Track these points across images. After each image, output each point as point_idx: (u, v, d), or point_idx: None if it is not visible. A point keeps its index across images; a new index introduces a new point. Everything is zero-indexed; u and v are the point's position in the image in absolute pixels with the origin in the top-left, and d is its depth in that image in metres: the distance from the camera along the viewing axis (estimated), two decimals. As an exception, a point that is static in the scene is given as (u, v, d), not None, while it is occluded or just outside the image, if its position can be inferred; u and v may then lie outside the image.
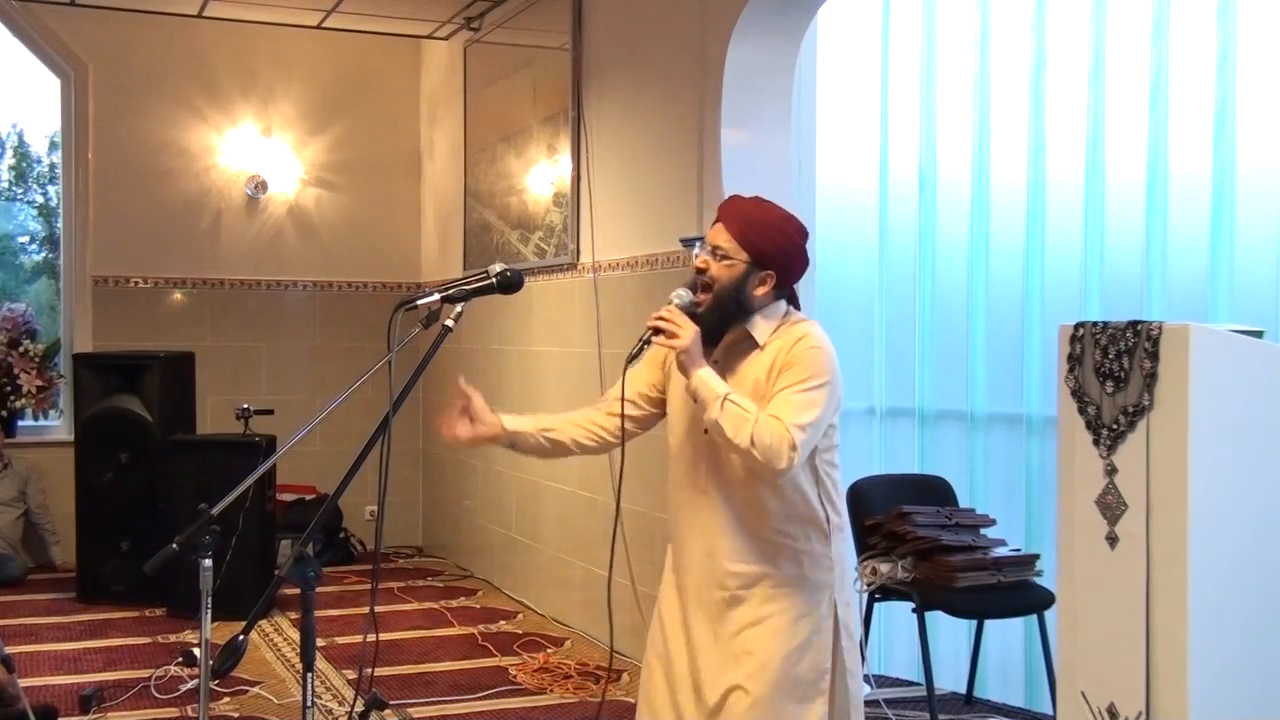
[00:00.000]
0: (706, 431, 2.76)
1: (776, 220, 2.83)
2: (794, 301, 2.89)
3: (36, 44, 7.29)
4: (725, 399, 2.65)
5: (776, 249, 2.79)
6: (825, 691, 2.79)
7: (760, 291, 2.78)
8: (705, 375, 2.69)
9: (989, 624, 4.75)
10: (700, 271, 2.81)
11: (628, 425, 2.95)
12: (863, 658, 4.43)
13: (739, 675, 2.77)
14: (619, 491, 3.19)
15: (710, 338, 2.77)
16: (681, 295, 2.78)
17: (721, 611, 2.82)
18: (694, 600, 2.87)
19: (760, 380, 2.73)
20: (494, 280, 2.78)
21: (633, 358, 2.83)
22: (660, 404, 2.96)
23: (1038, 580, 4.39)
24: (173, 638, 5.65)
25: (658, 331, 2.72)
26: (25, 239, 8.46)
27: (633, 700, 4.73)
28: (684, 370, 2.72)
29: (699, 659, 2.85)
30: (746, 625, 2.80)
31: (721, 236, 2.80)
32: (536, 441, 3.00)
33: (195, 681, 4.72)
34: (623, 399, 2.89)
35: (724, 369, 2.79)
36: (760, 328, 2.79)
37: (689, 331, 2.69)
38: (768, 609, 2.78)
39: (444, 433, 3.00)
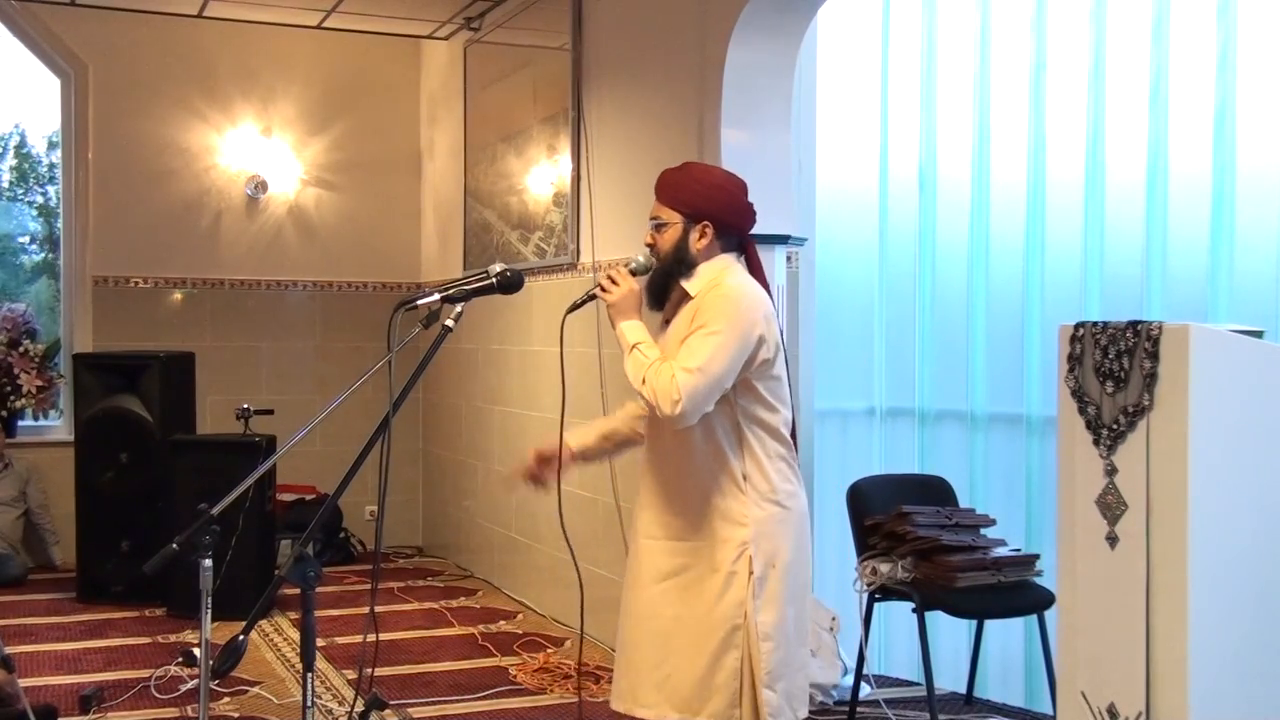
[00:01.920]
0: None
1: (699, 174, 3.04)
2: (753, 261, 2.99)
3: (36, 44, 7.29)
4: (635, 346, 2.83)
5: (704, 198, 2.94)
6: (738, 647, 2.86)
7: (701, 244, 2.93)
8: (626, 327, 2.88)
9: (989, 624, 4.75)
10: (650, 246, 2.98)
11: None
12: (862, 657, 4.45)
13: (655, 632, 2.92)
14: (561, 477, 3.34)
15: (659, 297, 2.95)
16: (639, 260, 2.97)
17: (651, 559, 2.96)
18: (635, 550, 3.03)
19: (684, 331, 2.84)
20: (494, 280, 2.79)
21: (572, 309, 3.00)
22: None
23: (1038, 580, 4.39)
24: (173, 638, 5.65)
25: (603, 289, 2.92)
26: (25, 239, 8.46)
27: (633, 700, 4.74)
28: (612, 323, 2.90)
29: (628, 611, 3.02)
30: (663, 576, 2.92)
31: (656, 208, 2.98)
32: (604, 446, 3.23)
33: (195, 681, 4.72)
34: (561, 347, 3.04)
35: (669, 327, 2.93)
36: (694, 281, 2.91)
37: (624, 288, 2.89)
38: (680, 562, 2.90)
39: (527, 480, 3.21)
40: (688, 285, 2.91)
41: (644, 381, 2.76)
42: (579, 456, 3.17)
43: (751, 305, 2.83)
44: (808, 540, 3.02)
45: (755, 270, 2.99)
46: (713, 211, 2.93)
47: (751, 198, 3.06)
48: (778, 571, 2.89)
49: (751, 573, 2.85)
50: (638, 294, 2.91)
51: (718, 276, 2.88)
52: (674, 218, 2.94)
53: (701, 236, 2.92)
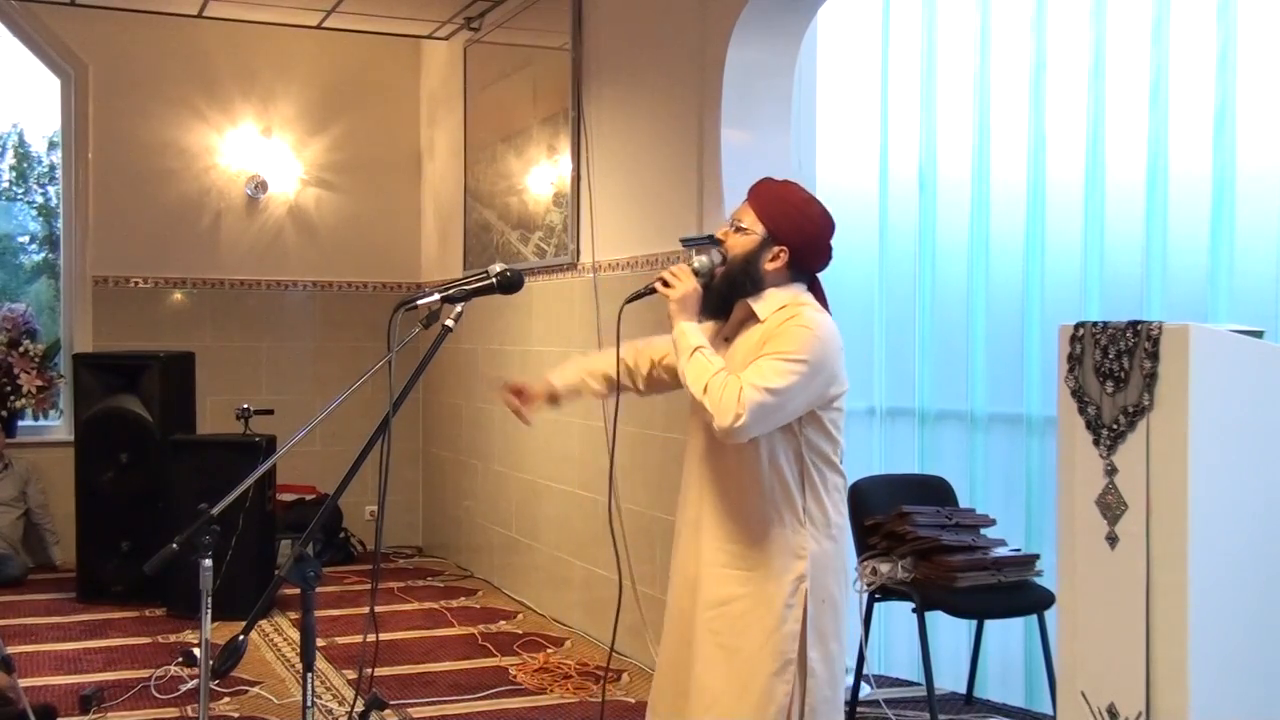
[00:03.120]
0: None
1: (799, 200, 2.90)
2: (819, 295, 2.91)
3: (36, 44, 7.29)
4: (698, 349, 2.74)
5: (792, 225, 2.84)
6: (789, 683, 2.80)
7: (772, 266, 2.83)
8: (687, 327, 2.78)
9: (989, 624, 4.75)
10: (720, 243, 2.89)
11: (657, 376, 3.10)
12: (862, 657, 4.45)
13: (705, 659, 2.83)
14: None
15: (719, 305, 2.85)
16: (703, 260, 2.86)
17: (700, 585, 2.88)
18: (682, 579, 2.94)
19: (752, 351, 2.76)
20: (494, 280, 2.78)
21: (631, 299, 2.92)
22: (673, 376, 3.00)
23: (1038, 580, 4.39)
24: (173, 638, 5.65)
25: (665, 284, 2.82)
26: (25, 239, 8.46)
27: (633, 700, 4.75)
28: (671, 320, 2.80)
29: (676, 635, 2.93)
30: (718, 603, 2.84)
31: (744, 210, 2.89)
32: (571, 398, 3.17)
33: (195, 681, 4.72)
34: (618, 339, 2.99)
35: (730, 344, 2.85)
36: (765, 303, 2.82)
37: (686, 286, 2.80)
38: (733, 591, 2.83)
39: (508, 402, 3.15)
40: (756, 306, 2.82)
41: (706, 390, 2.67)
42: (551, 398, 3.12)
43: (828, 342, 2.74)
44: (848, 574, 2.98)
45: (822, 305, 2.91)
46: (796, 240, 2.83)
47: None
48: (828, 607, 2.83)
49: (807, 608, 2.79)
50: (700, 295, 2.82)
51: (793, 304, 2.79)
52: (757, 227, 2.84)
53: (775, 259, 2.83)
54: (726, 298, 2.85)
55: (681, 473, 3.01)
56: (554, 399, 3.13)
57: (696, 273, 2.83)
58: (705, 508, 2.88)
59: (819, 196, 2.97)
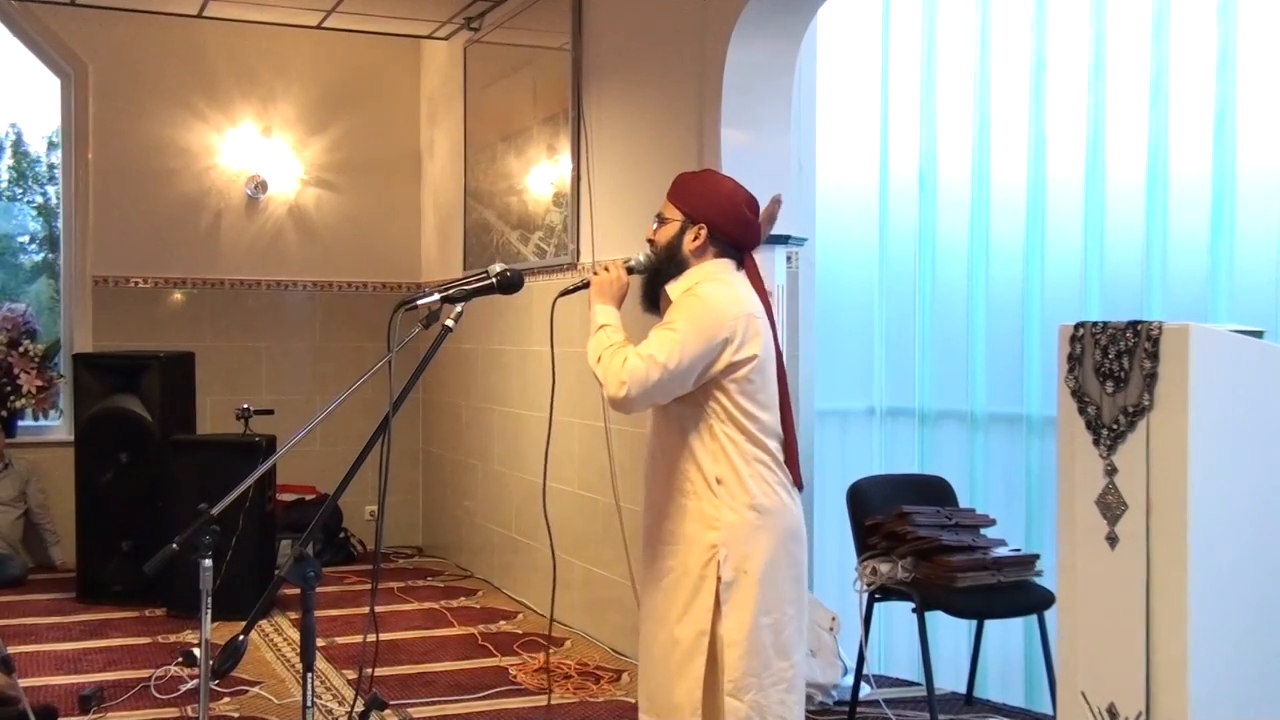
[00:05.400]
0: None
1: (709, 179, 3.10)
2: (751, 273, 3.00)
3: (36, 44, 7.29)
4: (602, 326, 2.88)
5: (705, 202, 2.97)
6: (703, 654, 2.84)
7: (694, 245, 2.96)
8: (599, 309, 2.93)
9: (989, 624, 4.75)
10: (650, 242, 3.02)
11: None
12: (862, 657, 4.45)
13: (646, 637, 2.97)
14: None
15: (650, 293, 3.00)
16: (639, 259, 3.02)
17: (648, 562, 3.00)
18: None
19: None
20: (494, 280, 2.79)
21: (564, 292, 3.05)
22: None
23: (1038, 580, 4.39)
24: (173, 638, 5.65)
25: (594, 275, 2.99)
26: (25, 239, 8.46)
27: (633, 700, 4.74)
28: (590, 305, 2.95)
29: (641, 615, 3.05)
30: (655, 579, 2.95)
31: (664, 205, 3.04)
32: None
33: (195, 681, 4.72)
34: (551, 331, 3.09)
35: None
36: (677, 284, 2.96)
37: (611, 275, 2.96)
38: (666, 564, 2.92)
39: None
40: (670, 288, 2.96)
41: (599, 360, 2.82)
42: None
43: (720, 308, 2.82)
44: (795, 548, 2.92)
45: (753, 281, 2.98)
46: (711, 216, 2.95)
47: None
48: (750, 578, 2.82)
49: (720, 578, 2.82)
50: (624, 284, 2.97)
51: (703, 279, 2.91)
52: (675, 215, 2.98)
53: (695, 238, 2.95)
54: (656, 284, 2.99)
55: None
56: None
57: (630, 269, 2.99)
58: (650, 485, 3.01)
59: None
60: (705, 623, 2.83)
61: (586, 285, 3.00)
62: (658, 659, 2.92)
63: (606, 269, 2.98)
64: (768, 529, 2.87)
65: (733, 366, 2.83)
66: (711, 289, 2.87)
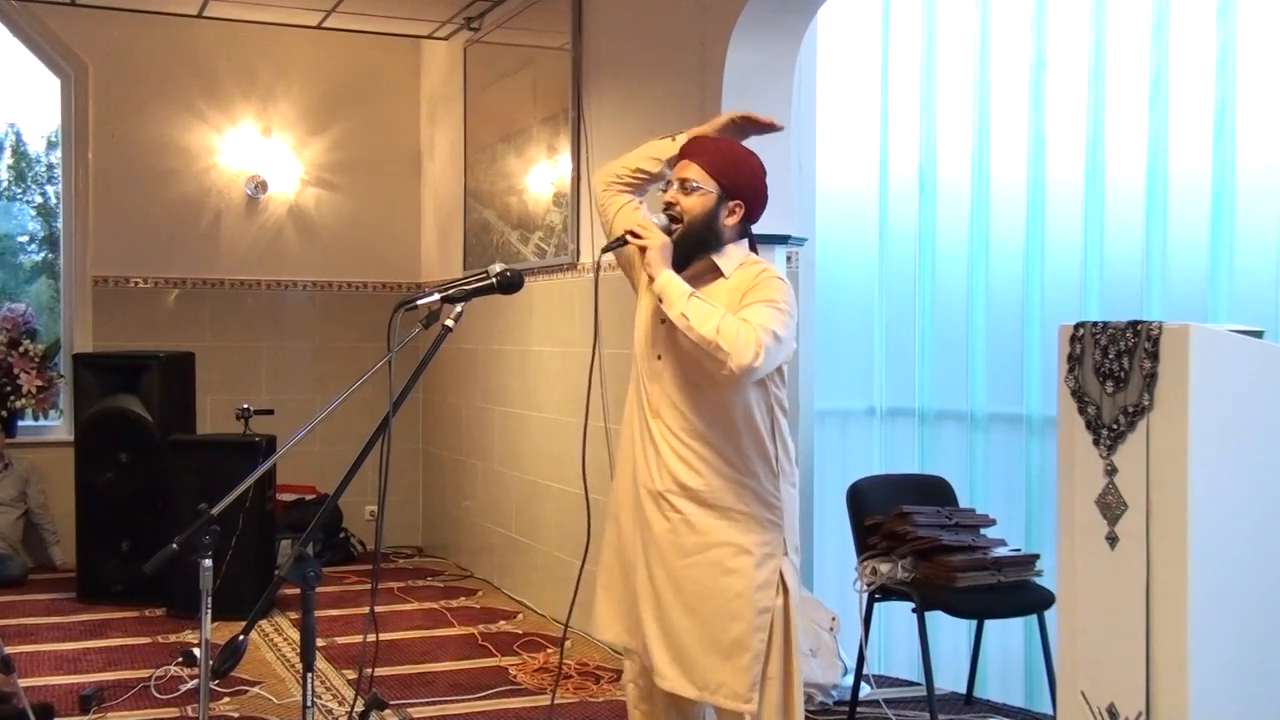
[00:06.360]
0: (660, 358, 2.90)
1: (743, 153, 2.98)
2: (754, 247, 3.01)
3: (36, 44, 7.29)
4: (692, 294, 2.77)
5: (745, 179, 2.92)
6: (765, 629, 2.85)
7: (730, 221, 2.92)
8: (672, 276, 2.82)
9: (989, 624, 4.75)
10: (669, 206, 2.92)
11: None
12: (862, 657, 4.45)
13: (690, 608, 2.87)
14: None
15: (678, 265, 2.89)
16: (661, 218, 2.92)
17: (676, 526, 2.90)
18: (649, 503, 2.96)
19: (730, 304, 2.82)
20: (494, 280, 2.79)
21: (607, 249, 2.99)
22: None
23: (1038, 580, 4.39)
24: (173, 638, 5.65)
25: (635, 236, 2.88)
26: (25, 239, 8.46)
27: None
28: (651, 271, 2.84)
29: (656, 579, 2.94)
30: (698, 551, 2.88)
31: (691, 170, 2.92)
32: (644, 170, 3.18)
33: (195, 681, 4.72)
34: (596, 277, 3.03)
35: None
36: (728, 259, 2.91)
37: (660, 238, 2.86)
38: (719, 538, 2.86)
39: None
40: (721, 261, 2.90)
41: (719, 330, 2.67)
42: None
43: (793, 297, 2.88)
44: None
45: None
46: (747, 195, 2.93)
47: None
48: (798, 555, 2.99)
49: (786, 554, 2.92)
50: (669, 246, 2.87)
51: (752, 260, 2.91)
52: (710, 185, 2.90)
53: (732, 214, 2.92)
54: (687, 257, 2.90)
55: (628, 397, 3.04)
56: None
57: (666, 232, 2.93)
58: (672, 454, 2.90)
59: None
60: (768, 600, 2.87)
61: (625, 243, 2.93)
62: (704, 633, 2.86)
63: (645, 228, 2.87)
64: (796, 509, 3.01)
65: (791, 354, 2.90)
66: (781, 275, 2.90)
